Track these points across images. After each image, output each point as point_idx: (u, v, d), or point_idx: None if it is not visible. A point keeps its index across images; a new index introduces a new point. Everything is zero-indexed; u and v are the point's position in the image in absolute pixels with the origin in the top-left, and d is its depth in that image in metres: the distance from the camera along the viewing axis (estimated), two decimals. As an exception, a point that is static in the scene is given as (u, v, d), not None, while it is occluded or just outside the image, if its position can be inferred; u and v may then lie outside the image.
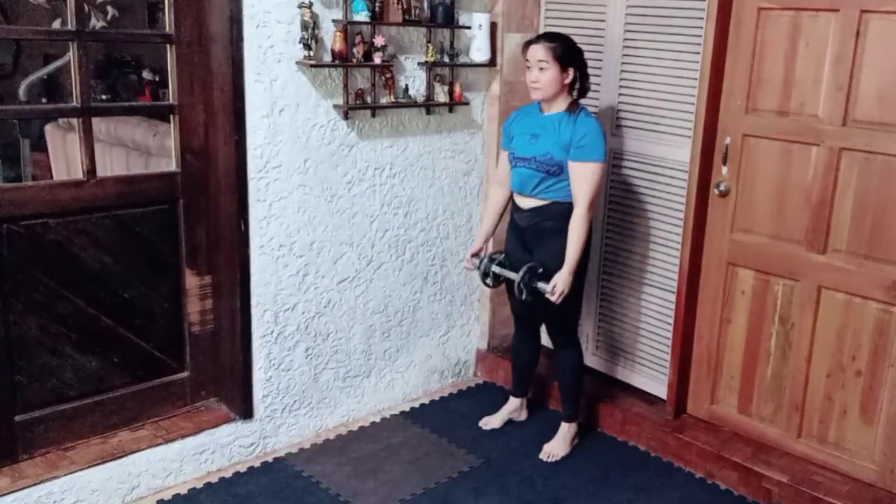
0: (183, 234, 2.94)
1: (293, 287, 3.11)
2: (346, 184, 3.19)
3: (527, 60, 2.94)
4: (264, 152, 2.90)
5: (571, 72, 2.92)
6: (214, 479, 2.96)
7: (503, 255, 3.14)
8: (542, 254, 2.98)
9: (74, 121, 2.78)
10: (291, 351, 3.16)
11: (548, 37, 2.95)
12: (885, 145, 2.65)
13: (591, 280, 3.45)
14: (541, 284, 2.92)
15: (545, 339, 3.33)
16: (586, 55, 3.42)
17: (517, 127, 3.06)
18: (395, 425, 3.44)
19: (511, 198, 3.13)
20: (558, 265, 2.89)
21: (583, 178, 2.87)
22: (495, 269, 3.09)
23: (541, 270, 2.94)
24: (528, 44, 2.95)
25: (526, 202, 3.01)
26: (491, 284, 3.19)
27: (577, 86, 2.97)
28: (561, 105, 2.94)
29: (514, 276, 2.97)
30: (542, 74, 2.89)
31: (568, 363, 3.19)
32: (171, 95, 2.84)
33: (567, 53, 2.91)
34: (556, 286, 2.87)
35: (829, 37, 2.73)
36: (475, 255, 3.19)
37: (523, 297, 2.96)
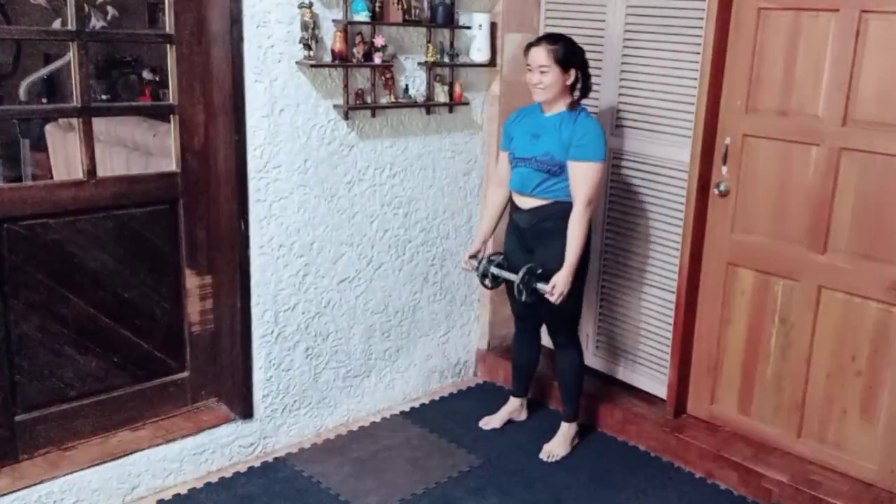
0: (183, 234, 2.94)
1: (293, 287, 3.11)
2: (346, 184, 3.19)
3: (528, 63, 2.93)
4: (264, 152, 2.90)
5: (573, 73, 2.93)
6: (214, 479, 2.96)
7: (502, 257, 3.14)
8: (543, 254, 2.98)
9: (74, 121, 2.78)
10: (291, 351, 3.16)
11: (549, 39, 2.94)
12: (885, 145, 2.65)
13: (591, 280, 3.45)
14: (540, 285, 2.92)
15: (545, 339, 3.33)
16: (586, 55, 3.42)
17: (518, 127, 3.06)
18: (395, 425, 3.44)
19: (510, 198, 3.13)
20: (559, 265, 2.89)
21: (581, 177, 2.87)
22: (494, 270, 3.10)
23: (539, 271, 2.94)
24: (529, 46, 2.95)
25: (526, 202, 3.01)
26: (490, 286, 3.19)
27: (580, 85, 2.97)
28: (562, 105, 2.95)
29: (514, 278, 2.97)
30: (544, 77, 2.89)
31: (568, 363, 3.19)
32: (171, 95, 2.84)
33: (568, 55, 2.91)
34: (556, 286, 2.87)
35: (829, 37, 2.73)
36: (473, 256, 3.19)
37: (523, 298, 2.95)
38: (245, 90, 2.80)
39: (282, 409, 3.18)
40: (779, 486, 2.89)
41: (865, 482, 2.84)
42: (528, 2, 3.57)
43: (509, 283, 3.06)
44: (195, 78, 2.84)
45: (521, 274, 2.94)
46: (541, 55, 2.89)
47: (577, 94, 2.97)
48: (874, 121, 2.67)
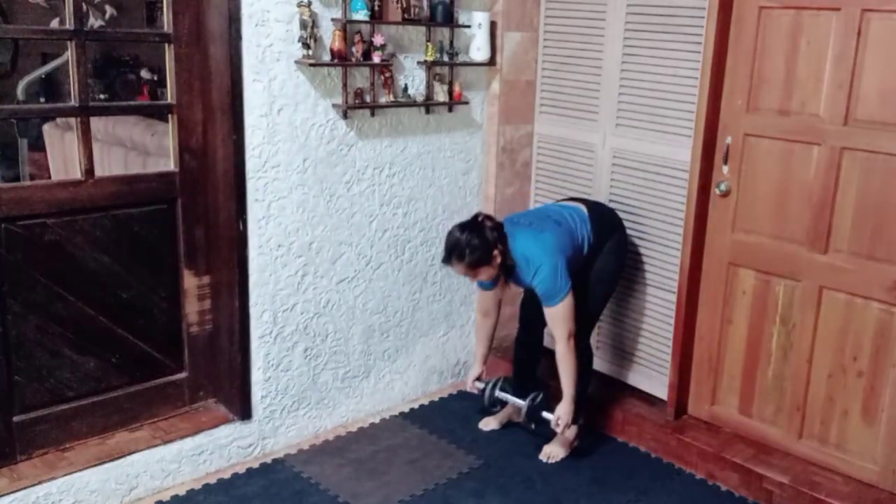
0: (181, 234, 2.93)
1: (292, 287, 3.10)
2: (345, 183, 3.18)
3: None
4: (263, 152, 2.89)
5: (497, 255, 2.84)
6: (213, 481, 2.95)
7: (504, 380, 3.25)
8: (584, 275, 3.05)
9: (72, 120, 2.77)
10: (290, 351, 3.15)
11: (455, 254, 2.83)
12: (887, 145, 2.64)
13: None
14: (545, 415, 3.06)
15: (547, 341, 3.32)
16: (586, 55, 3.42)
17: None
18: (394, 426, 3.43)
19: (498, 321, 3.26)
20: (603, 269, 3.06)
21: (554, 319, 2.91)
22: (499, 395, 3.21)
23: (540, 398, 3.09)
24: (444, 263, 2.92)
25: None
26: (498, 410, 3.36)
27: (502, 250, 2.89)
28: (509, 268, 2.92)
29: (521, 405, 3.12)
30: (478, 277, 2.91)
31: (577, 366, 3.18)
32: (170, 95, 2.83)
33: (481, 255, 2.81)
34: (560, 419, 2.98)
35: (831, 36, 2.72)
36: (478, 378, 3.27)
37: (532, 427, 3.13)
38: (243, 89, 2.79)
39: (280, 409, 3.17)
40: (780, 488, 2.88)
41: (867, 483, 2.83)
42: (528, 1, 3.56)
43: (523, 313, 3.29)
44: (193, 77, 2.83)
45: (526, 406, 3.08)
46: (459, 270, 2.87)
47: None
48: (876, 120, 2.66)
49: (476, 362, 3.32)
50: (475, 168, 3.65)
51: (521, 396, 3.19)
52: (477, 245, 2.80)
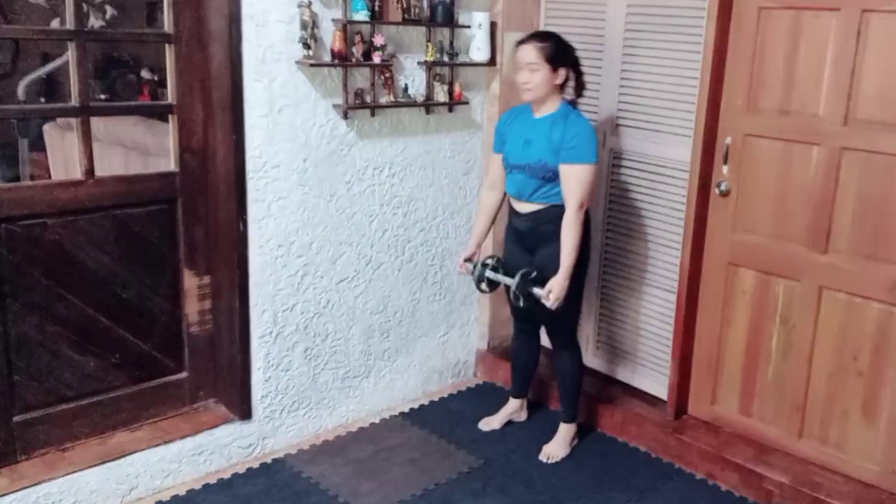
0: (182, 234, 2.93)
1: (292, 287, 3.10)
2: (346, 183, 3.18)
3: (517, 61, 2.92)
4: (263, 152, 2.90)
5: (563, 72, 2.89)
6: (213, 481, 2.95)
7: (496, 260, 3.13)
8: (542, 257, 2.97)
9: (73, 120, 2.77)
10: (290, 351, 3.15)
11: (538, 36, 2.92)
12: (887, 145, 2.64)
13: (591, 280, 3.44)
14: (536, 290, 2.91)
15: (545, 340, 3.32)
16: (586, 55, 3.42)
17: (510, 131, 3.04)
18: (394, 426, 3.43)
19: (504, 200, 3.14)
20: (558, 268, 2.88)
21: (573, 181, 2.84)
22: (490, 274, 3.08)
23: (534, 275, 2.93)
24: (519, 44, 2.93)
25: (524, 207, 3.00)
26: (486, 290, 3.19)
27: (573, 84, 2.95)
28: (552, 106, 2.92)
29: (510, 283, 2.96)
30: (533, 76, 2.87)
31: (567, 364, 3.19)
32: (170, 95, 2.84)
33: (558, 53, 2.87)
34: (552, 292, 2.86)
35: (830, 36, 2.72)
36: (469, 259, 3.17)
37: (520, 303, 2.95)
38: (244, 89, 2.79)
39: (281, 409, 3.17)
40: (780, 488, 2.88)
41: (867, 483, 2.83)
42: (528, 1, 3.56)
43: (507, 286, 3.06)
44: (194, 77, 2.84)
45: (516, 280, 2.93)
46: (530, 52, 2.86)
47: (566, 93, 2.94)
48: (875, 120, 2.66)
49: (471, 241, 3.21)
50: (475, 168, 3.65)
51: (520, 386, 3.08)
52: (561, 46, 2.88)
